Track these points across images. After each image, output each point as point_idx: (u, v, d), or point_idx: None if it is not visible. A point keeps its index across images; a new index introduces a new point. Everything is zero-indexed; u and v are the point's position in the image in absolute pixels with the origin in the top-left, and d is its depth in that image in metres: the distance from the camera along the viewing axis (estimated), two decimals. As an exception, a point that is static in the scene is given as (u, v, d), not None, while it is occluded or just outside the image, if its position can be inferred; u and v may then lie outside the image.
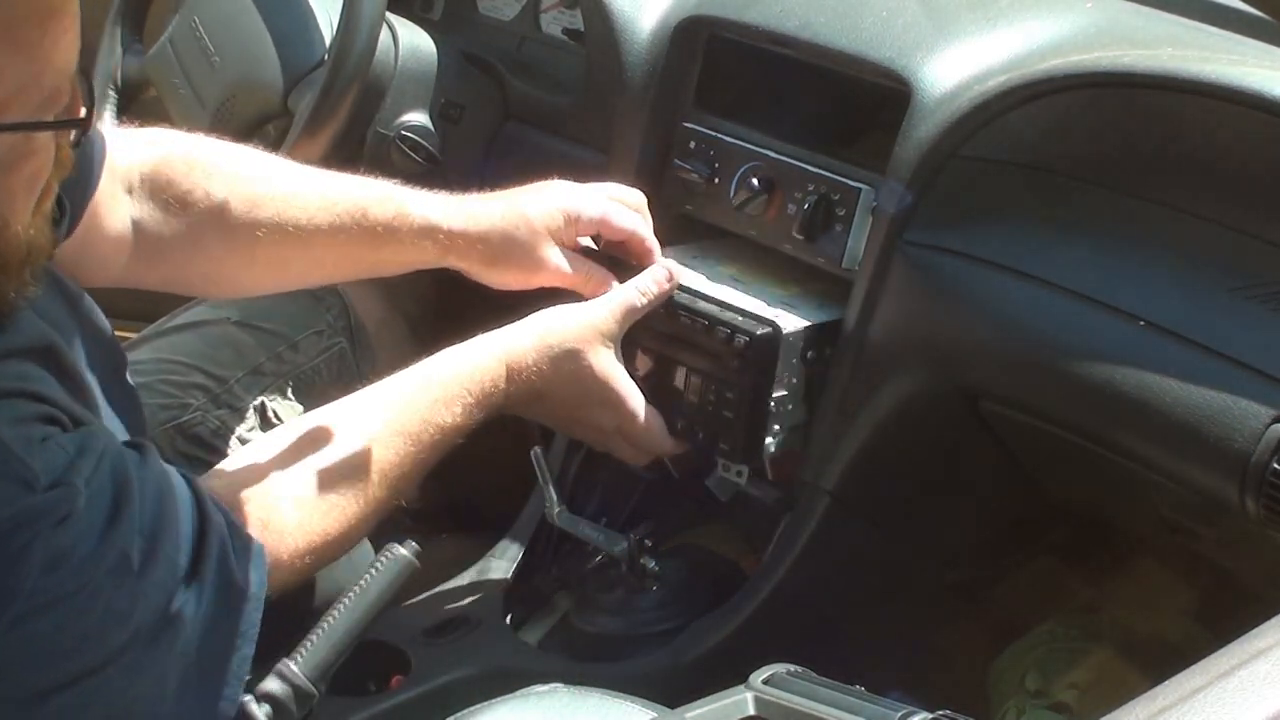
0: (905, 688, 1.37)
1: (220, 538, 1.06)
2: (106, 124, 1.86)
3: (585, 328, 1.42)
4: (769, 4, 1.62)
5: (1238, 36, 1.45)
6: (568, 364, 1.40)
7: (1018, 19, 1.52)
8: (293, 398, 1.70)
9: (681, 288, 1.51)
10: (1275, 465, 1.22)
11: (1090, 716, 0.91)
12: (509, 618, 1.62)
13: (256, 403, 1.67)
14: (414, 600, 1.62)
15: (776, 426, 1.49)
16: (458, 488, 1.98)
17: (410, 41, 1.84)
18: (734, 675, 1.19)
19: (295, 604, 1.51)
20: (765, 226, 1.60)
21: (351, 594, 1.27)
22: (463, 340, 1.44)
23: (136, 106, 1.90)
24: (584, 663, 1.55)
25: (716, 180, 1.64)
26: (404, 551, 1.29)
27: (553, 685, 1.35)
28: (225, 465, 1.28)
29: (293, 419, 1.45)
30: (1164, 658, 1.49)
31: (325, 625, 1.25)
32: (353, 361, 1.76)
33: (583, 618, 1.62)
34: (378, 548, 1.32)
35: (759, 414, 1.46)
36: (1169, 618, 1.70)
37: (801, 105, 1.62)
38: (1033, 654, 1.71)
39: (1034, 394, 1.42)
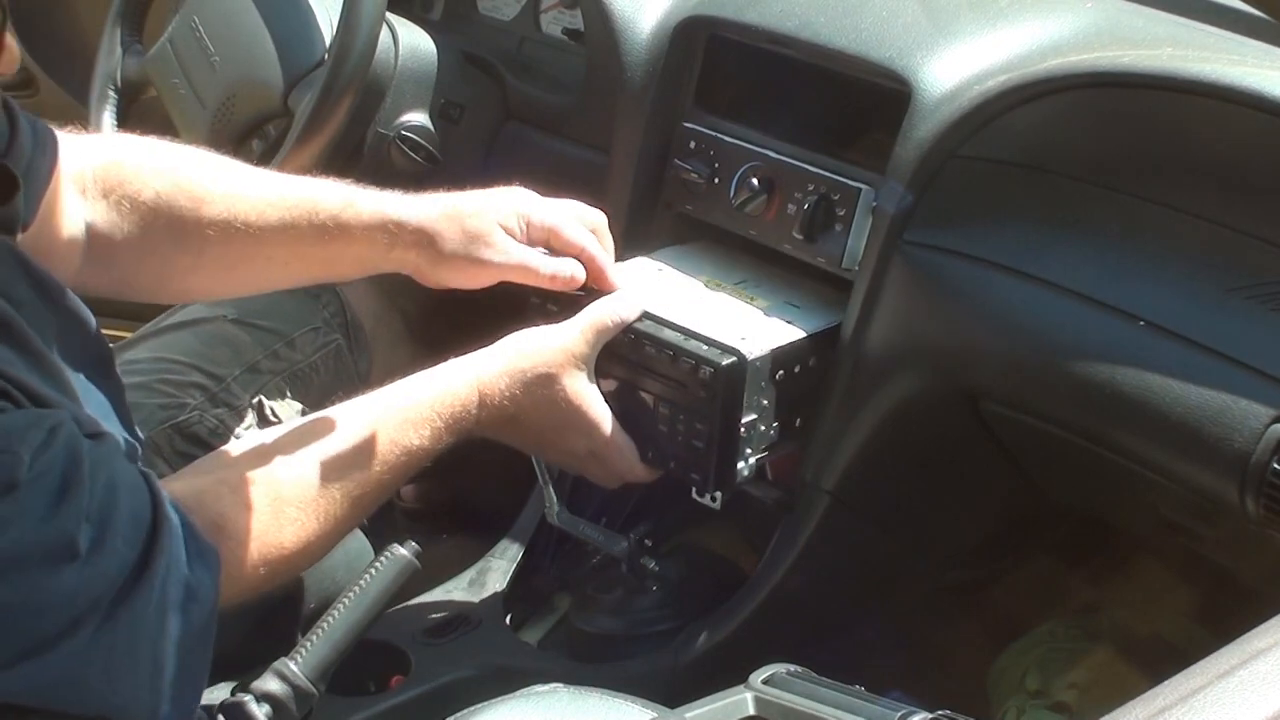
0: (905, 688, 1.38)
1: (174, 538, 1.04)
2: (105, 127, 1.86)
3: (558, 351, 1.40)
4: (769, 4, 1.62)
5: (1238, 36, 1.45)
6: (540, 389, 1.39)
7: (1018, 19, 1.52)
8: (290, 395, 1.70)
9: (646, 314, 1.47)
10: (1275, 465, 1.22)
11: (1090, 716, 0.91)
12: (509, 618, 1.62)
13: (254, 401, 1.67)
14: (414, 600, 1.62)
15: (749, 450, 1.46)
16: (458, 488, 1.99)
17: (410, 41, 1.84)
18: (734, 675, 1.19)
19: (295, 604, 1.51)
20: (765, 226, 1.60)
21: (351, 594, 1.27)
22: (459, 336, 1.44)
23: (136, 106, 1.90)
24: (584, 663, 1.55)
25: (716, 180, 1.64)
26: (404, 551, 1.29)
27: (553, 685, 1.35)
28: (187, 471, 1.27)
29: (259, 432, 1.44)
30: (1164, 658, 1.49)
31: (325, 625, 1.25)
32: (349, 358, 1.76)
33: (583, 618, 1.62)
34: (378, 548, 1.32)
35: (730, 443, 1.44)
36: (1169, 618, 1.71)
37: (801, 105, 1.62)
38: (1033, 654, 1.71)
39: (1034, 394, 1.42)
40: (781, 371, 1.47)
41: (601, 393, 1.43)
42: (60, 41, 2.44)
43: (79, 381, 1.15)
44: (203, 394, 1.64)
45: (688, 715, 1.15)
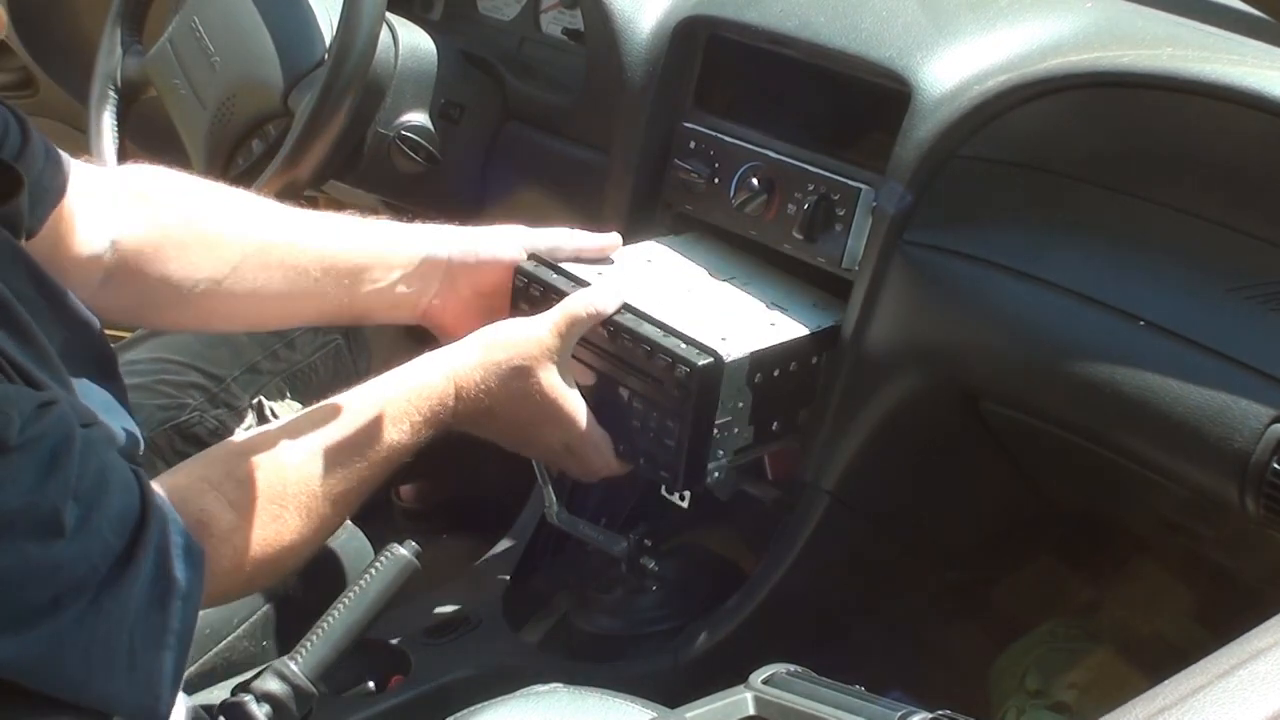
0: (905, 688, 1.38)
1: (160, 530, 1.04)
2: (105, 127, 1.86)
3: (530, 343, 1.40)
4: (769, 4, 1.62)
5: (1238, 36, 1.45)
6: (515, 382, 1.38)
7: (1018, 19, 1.52)
8: (290, 396, 1.70)
9: (628, 307, 1.46)
10: (1275, 465, 1.22)
11: (1090, 716, 0.91)
12: (509, 618, 1.62)
13: (254, 401, 1.67)
14: (414, 600, 1.62)
15: (720, 452, 1.45)
16: (458, 488, 1.99)
17: (410, 41, 1.84)
18: (734, 675, 1.19)
19: (295, 604, 1.51)
20: (765, 226, 1.60)
21: (351, 594, 1.27)
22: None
23: (137, 106, 1.90)
24: (584, 663, 1.55)
25: (716, 180, 1.64)
26: (404, 551, 1.29)
27: (553, 685, 1.35)
28: (170, 471, 1.27)
29: (242, 434, 1.44)
30: (1164, 658, 1.49)
31: (325, 625, 1.25)
32: (349, 358, 1.76)
33: (583, 618, 1.62)
34: (378, 548, 1.32)
35: (701, 444, 1.43)
36: (1169, 618, 1.70)
37: (801, 105, 1.62)
38: (1033, 654, 1.71)
39: (1034, 394, 1.42)
40: (760, 375, 1.45)
41: (578, 384, 1.43)
42: (60, 41, 2.45)
43: (81, 385, 1.15)
44: (202, 394, 1.64)
45: (688, 715, 1.15)
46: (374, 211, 2.03)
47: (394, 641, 1.54)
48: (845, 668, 1.23)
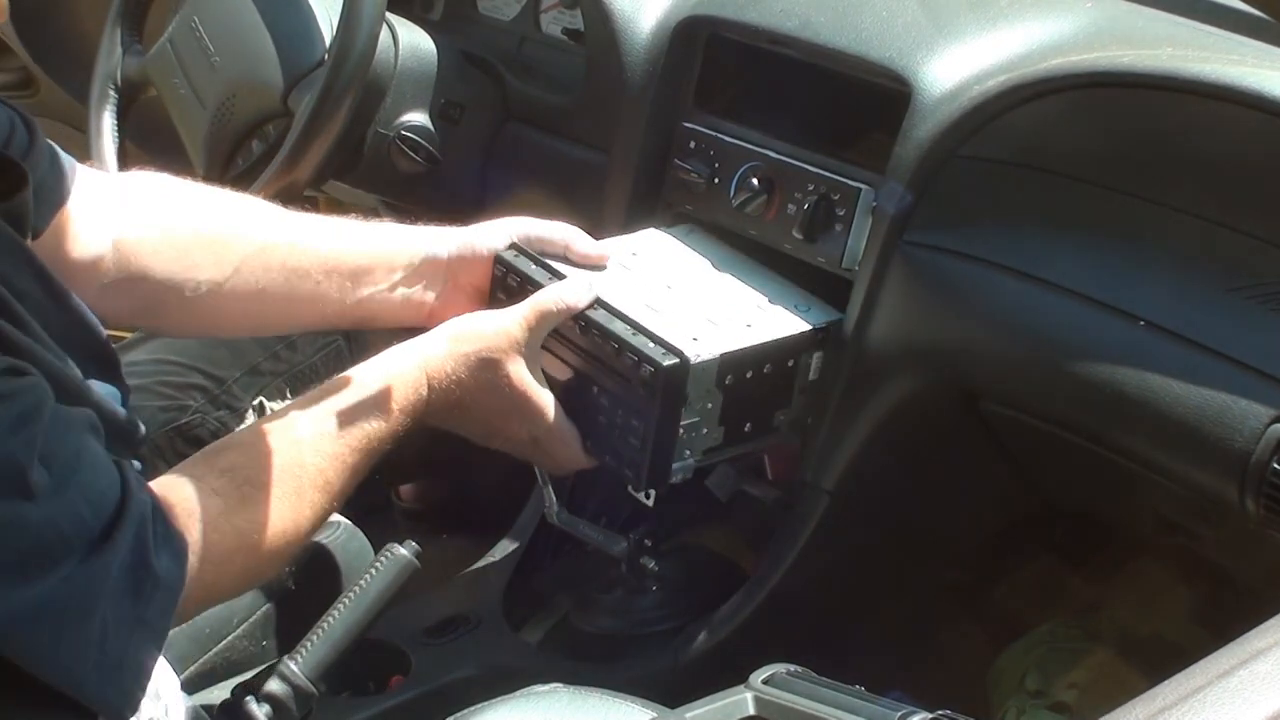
0: (905, 688, 1.38)
1: (141, 516, 1.03)
2: (105, 127, 1.86)
3: (498, 335, 1.39)
4: (769, 4, 1.62)
5: (1238, 36, 1.45)
6: (485, 373, 1.38)
7: (1018, 19, 1.52)
8: (291, 397, 1.70)
9: (602, 304, 1.44)
10: (1275, 465, 1.22)
11: (1090, 716, 0.91)
12: (509, 618, 1.62)
13: (255, 402, 1.67)
14: (414, 600, 1.62)
15: (687, 452, 1.44)
16: (458, 488, 1.99)
17: (410, 41, 1.84)
18: (734, 675, 1.19)
19: (296, 604, 1.51)
20: (765, 226, 1.60)
21: (351, 594, 1.27)
22: None
23: (137, 106, 1.90)
24: (584, 663, 1.55)
25: (716, 180, 1.64)
26: (404, 551, 1.29)
27: (553, 685, 1.35)
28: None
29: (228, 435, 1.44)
30: (1164, 658, 1.49)
31: (325, 625, 1.25)
32: (350, 359, 1.76)
33: (583, 618, 1.62)
34: (378, 548, 1.32)
35: (665, 444, 1.41)
36: (1169, 618, 1.70)
37: (801, 105, 1.62)
38: (1033, 654, 1.71)
39: (1034, 394, 1.42)
40: (731, 377, 1.44)
41: (549, 377, 1.42)
42: (60, 41, 2.44)
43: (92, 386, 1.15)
44: (204, 396, 1.64)
45: (688, 715, 1.15)
46: (374, 212, 2.04)
47: (394, 641, 1.54)
48: (845, 668, 1.23)
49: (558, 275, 1.47)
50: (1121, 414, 1.33)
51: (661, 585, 1.61)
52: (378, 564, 1.28)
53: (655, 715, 1.15)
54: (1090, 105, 1.40)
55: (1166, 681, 0.82)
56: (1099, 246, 1.38)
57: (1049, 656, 1.70)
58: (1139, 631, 1.71)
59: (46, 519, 0.96)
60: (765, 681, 1.18)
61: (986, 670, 1.73)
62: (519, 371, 1.39)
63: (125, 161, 1.86)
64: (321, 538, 1.53)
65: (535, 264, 1.48)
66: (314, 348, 1.75)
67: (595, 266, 1.51)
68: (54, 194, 1.29)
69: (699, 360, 1.40)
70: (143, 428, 1.23)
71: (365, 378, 1.34)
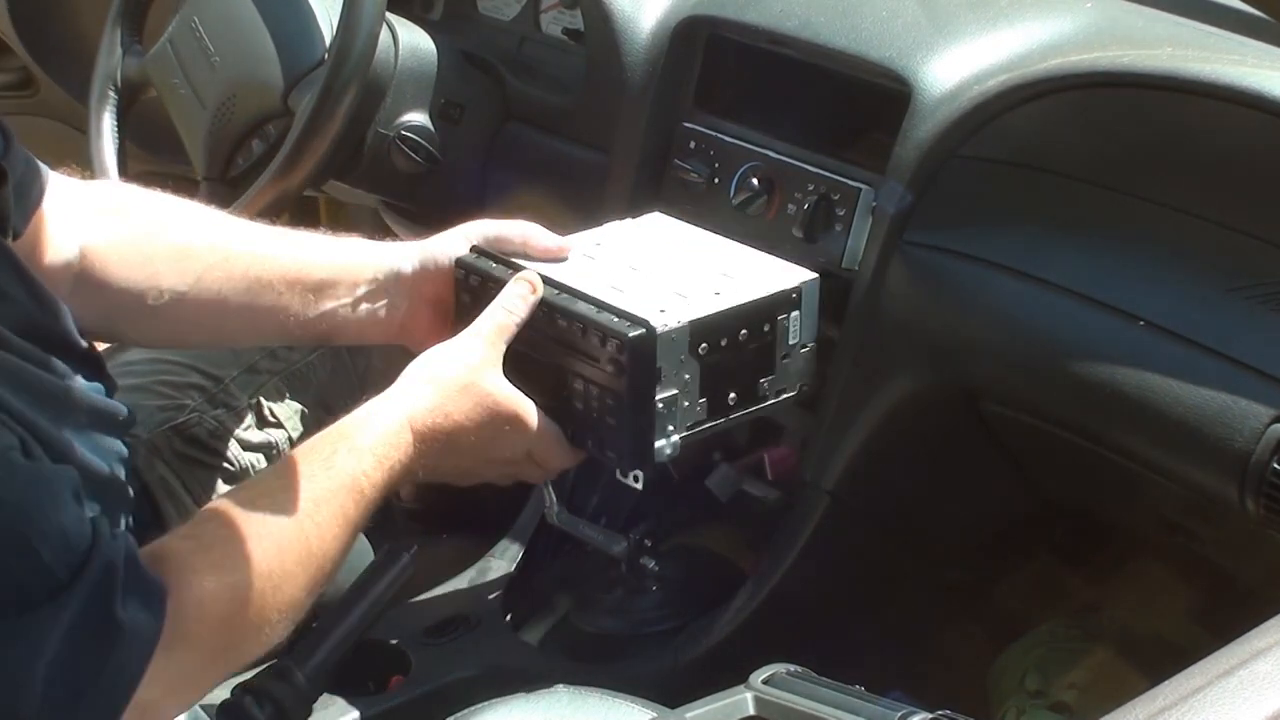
0: (905, 688, 1.38)
1: (107, 564, 1.01)
2: (105, 127, 1.86)
3: (468, 356, 1.36)
4: (769, 4, 1.62)
5: (1238, 36, 1.45)
6: (466, 400, 1.35)
7: (1018, 19, 1.52)
8: (289, 396, 1.69)
9: (560, 285, 1.41)
10: (1275, 465, 1.22)
11: (1090, 716, 0.91)
12: (509, 618, 1.62)
13: (253, 401, 1.67)
14: (414, 600, 1.62)
15: (670, 427, 1.39)
16: (458, 488, 1.98)
17: (410, 41, 1.84)
18: (734, 675, 1.19)
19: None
20: (765, 226, 1.60)
21: (351, 594, 1.27)
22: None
23: (137, 107, 1.90)
24: (584, 663, 1.55)
25: (716, 180, 1.64)
26: (404, 552, 1.29)
27: (553, 685, 1.35)
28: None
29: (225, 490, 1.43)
30: (1164, 658, 1.49)
31: (325, 625, 1.25)
32: (348, 358, 1.76)
33: (583, 618, 1.62)
34: (378, 548, 1.31)
35: (643, 418, 1.37)
36: (1169, 618, 1.71)
37: (801, 105, 1.62)
38: (1033, 654, 1.71)
39: (1034, 394, 1.43)
40: (706, 345, 1.39)
41: (523, 379, 1.39)
42: (60, 41, 2.44)
43: (73, 382, 1.15)
44: (201, 395, 1.64)
45: (688, 715, 1.16)
46: (374, 213, 2.04)
47: (394, 641, 1.54)
48: (845, 668, 1.23)
49: (520, 269, 1.45)
50: (1121, 414, 1.33)
51: (661, 585, 1.61)
52: (378, 564, 1.28)
53: (655, 715, 1.15)
54: (1090, 105, 1.40)
55: (1166, 681, 0.82)
56: (1099, 246, 1.38)
57: (1049, 656, 1.70)
58: (1139, 631, 1.71)
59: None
60: (765, 681, 1.19)
61: (986, 670, 1.73)
62: (497, 383, 1.36)
63: (125, 162, 1.86)
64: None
65: (496, 262, 1.46)
66: (312, 346, 1.75)
67: (556, 260, 1.50)
68: (31, 195, 1.29)
69: (666, 329, 1.36)
70: (125, 409, 1.22)
71: (361, 439, 1.28)
